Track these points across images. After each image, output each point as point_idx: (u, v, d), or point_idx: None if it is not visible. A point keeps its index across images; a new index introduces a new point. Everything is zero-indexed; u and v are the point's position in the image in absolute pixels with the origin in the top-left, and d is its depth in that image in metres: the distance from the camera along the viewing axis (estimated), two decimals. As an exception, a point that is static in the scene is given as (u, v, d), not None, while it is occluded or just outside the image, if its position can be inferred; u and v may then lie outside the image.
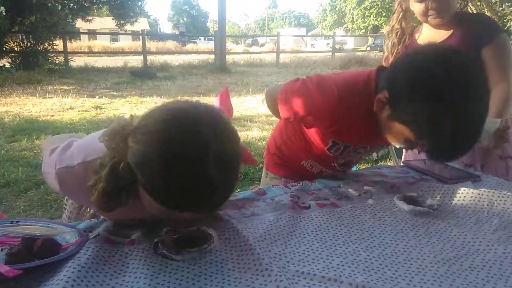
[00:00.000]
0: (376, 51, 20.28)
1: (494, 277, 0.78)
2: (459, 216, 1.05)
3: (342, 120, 1.09)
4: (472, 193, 1.13)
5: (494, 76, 1.48)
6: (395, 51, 1.71)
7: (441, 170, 1.39)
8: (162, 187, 0.68)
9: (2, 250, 0.82)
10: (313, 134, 1.22)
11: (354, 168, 3.55)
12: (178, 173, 0.66)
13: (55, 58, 11.74)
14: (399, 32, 1.69)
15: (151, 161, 0.67)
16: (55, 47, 11.89)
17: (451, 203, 1.12)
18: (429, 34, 1.65)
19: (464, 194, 1.14)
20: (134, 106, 6.92)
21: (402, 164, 1.59)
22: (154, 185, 0.69)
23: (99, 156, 0.76)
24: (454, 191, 1.16)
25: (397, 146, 1.07)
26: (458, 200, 1.13)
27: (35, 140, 4.48)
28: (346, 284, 0.74)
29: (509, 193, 1.10)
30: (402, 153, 1.94)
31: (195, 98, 7.66)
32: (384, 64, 1.74)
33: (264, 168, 1.50)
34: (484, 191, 1.12)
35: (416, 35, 1.70)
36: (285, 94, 1.17)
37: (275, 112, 1.28)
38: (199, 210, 0.73)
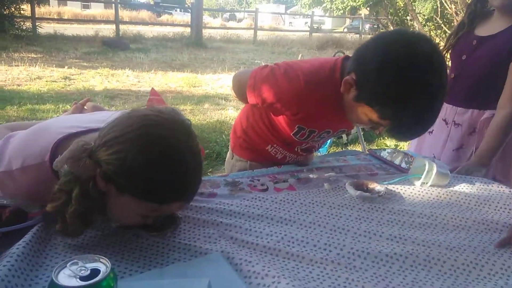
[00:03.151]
0: (353, 33, 20.36)
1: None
2: (399, 204, 1.12)
3: (308, 106, 1.14)
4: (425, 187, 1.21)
5: (506, 94, 1.44)
6: (448, 43, 1.68)
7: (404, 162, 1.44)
8: (153, 184, 0.73)
9: None
10: (279, 119, 1.28)
11: (324, 151, 3.59)
12: (166, 167, 0.73)
13: (22, 23, 11.16)
14: (460, 25, 1.66)
15: (137, 163, 0.72)
16: (22, 12, 11.30)
17: (399, 191, 1.21)
18: (490, 26, 1.58)
19: (415, 186, 1.23)
20: (105, 79, 6.75)
21: (367, 152, 1.64)
22: (143, 186, 0.73)
23: (58, 182, 0.77)
24: (406, 181, 1.27)
25: (360, 127, 1.11)
26: (407, 189, 1.21)
27: (0, 111, 4.31)
28: (283, 253, 0.84)
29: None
30: (409, 144, 1.93)
31: (169, 73, 7.56)
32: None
33: (230, 149, 1.51)
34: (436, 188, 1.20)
35: (476, 30, 1.63)
36: (253, 81, 1.19)
37: (242, 98, 1.30)
38: (186, 198, 0.81)
